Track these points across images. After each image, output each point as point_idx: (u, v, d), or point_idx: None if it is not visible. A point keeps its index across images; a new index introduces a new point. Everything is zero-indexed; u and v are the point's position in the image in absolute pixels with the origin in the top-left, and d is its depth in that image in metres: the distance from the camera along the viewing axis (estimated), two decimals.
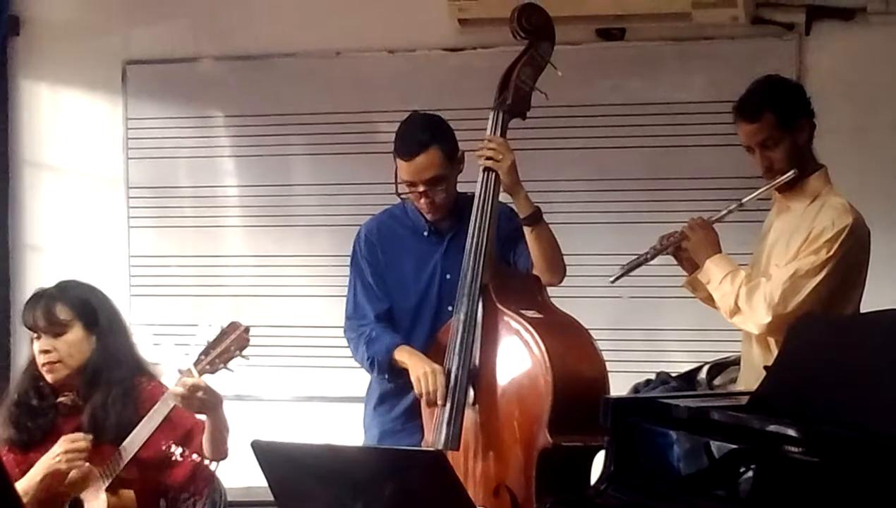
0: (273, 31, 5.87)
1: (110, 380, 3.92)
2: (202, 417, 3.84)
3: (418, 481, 3.02)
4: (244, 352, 3.79)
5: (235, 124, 5.98)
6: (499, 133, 4.01)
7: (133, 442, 3.82)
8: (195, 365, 3.75)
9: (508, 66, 4.04)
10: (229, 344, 3.77)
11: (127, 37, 6.06)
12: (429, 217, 4.13)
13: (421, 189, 4.05)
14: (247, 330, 3.79)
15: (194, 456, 3.88)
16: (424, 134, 4.05)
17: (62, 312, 3.93)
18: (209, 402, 3.77)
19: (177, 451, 3.88)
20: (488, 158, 3.96)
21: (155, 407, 3.80)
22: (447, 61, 5.69)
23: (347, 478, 3.08)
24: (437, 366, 3.92)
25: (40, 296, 3.99)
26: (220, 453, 3.88)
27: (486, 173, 3.99)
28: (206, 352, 3.77)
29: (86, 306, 3.97)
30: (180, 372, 3.77)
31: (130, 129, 6.09)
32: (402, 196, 4.15)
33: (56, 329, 3.92)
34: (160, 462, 3.88)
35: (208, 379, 3.76)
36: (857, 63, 5.27)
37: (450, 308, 4.00)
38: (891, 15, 5.20)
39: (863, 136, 5.16)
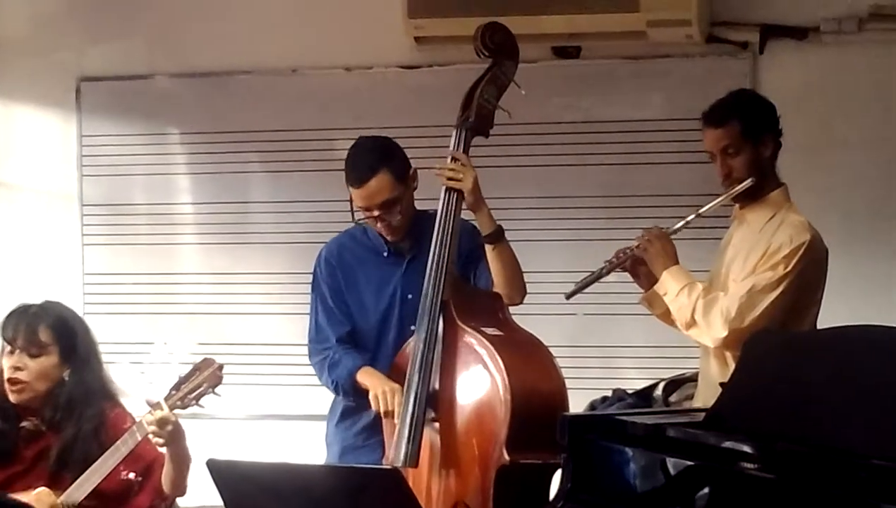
0: (229, 48, 5.86)
1: (82, 416, 3.89)
2: (164, 450, 3.82)
3: (375, 499, 3.02)
4: (217, 390, 3.77)
5: (191, 141, 5.96)
6: (461, 151, 4.02)
7: (97, 473, 3.78)
8: (166, 399, 3.73)
9: (472, 85, 4.04)
10: (202, 380, 3.75)
11: (81, 53, 6.03)
12: (388, 238, 4.13)
13: (376, 213, 4.05)
14: (220, 367, 3.77)
15: (153, 489, 3.86)
16: (371, 158, 4.05)
17: (44, 334, 3.91)
18: (175, 437, 3.74)
19: (136, 483, 3.85)
20: (450, 179, 3.97)
21: (122, 438, 3.77)
22: (403, 79, 5.69)
23: (304, 497, 3.07)
24: (395, 385, 3.93)
25: (24, 312, 3.96)
26: (179, 488, 3.86)
27: (448, 191, 4.00)
28: (177, 387, 3.74)
29: (67, 334, 3.94)
30: (149, 404, 3.73)
31: (85, 146, 6.05)
32: (360, 222, 4.15)
33: (34, 349, 3.90)
34: (119, 494, 3.85)
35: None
36: (811, 82, 5.32)
37: (412, 328, 3.99)
38: (843, 34, 5.25)
39: (816, 154, 5.19)
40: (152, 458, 3.86)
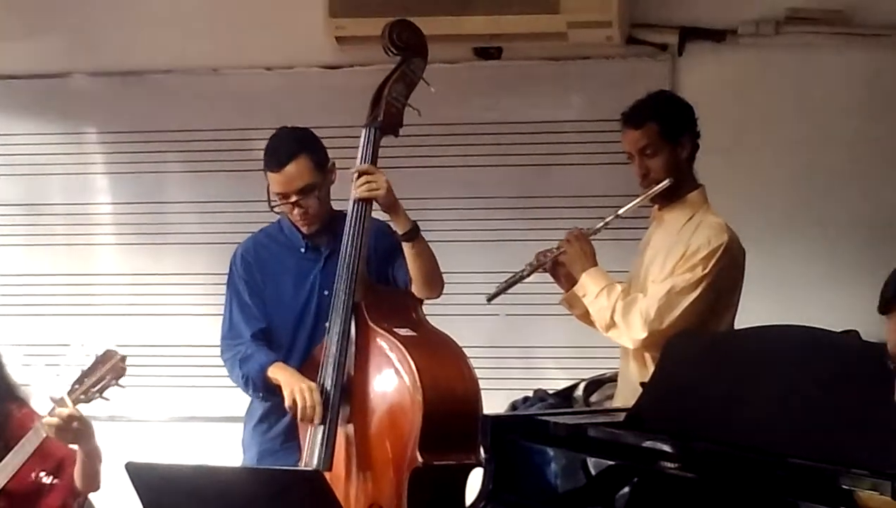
0: (149, 47, 5.80)
1: None
2: (74, 447, 3.77)
3: (296, 501, 3.01)
4: (120, 381, 3.72)
5: (109, 141, 5.89)
6: (371, 150, 4.03)
7: (2, 474, 3.72)
8: (69, 394, 3.67)
9: (380, 83, 4.06)
10: (105, 372, 3.70)
11: None
12: (304, 229, 4.13)
13: (293, 199, 4.05)
14: (123, 358, 3.73)
15: (65, 486, 3.81)
16: (292, 144, 4.08)
17: None
18: (83, 433, 3.69)
19: (47, 481, 3.80)
20: (369, 190, 3.96)
21: (26, 437, 3.72)
22: (325, 79, 5.67)
23: (225, 500, 3.05)
24: (311, 383, 3.92)
25: None
26: (92, 483, 3.82)
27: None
28: (80, 381, 3.69)
29: None
30: (53, 400, 3.68)
31: (0, 145, 5.96)
32: (276, 209, 4.14)
33: None
34: (30, 493, 3.80)
35: (82, 408, 3.69)
36: (729, 84, 5.36)
37: (328, 324, 3.99)
38: (761, 37, 5.30)
39: (734, 156, 5.24)
40: (62, 455, 3.82)
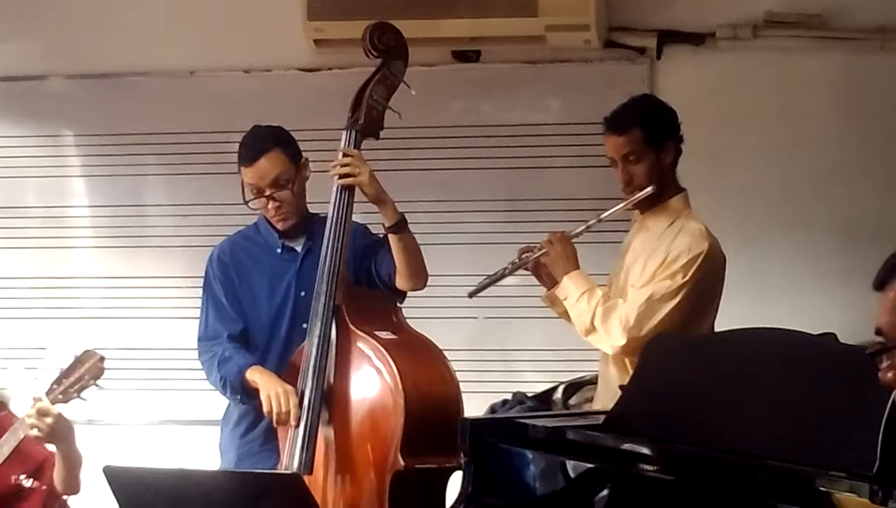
0: (126, 49, 5.78)
1: None
2: (53, 449, 3.77)
3: (275, 504, 3.01)
4: (99, 381, 3.73)
5: (86, 144, 5.87)
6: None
7: None
8: (47, 394, 3.68)
9: (361, 86, 4.07)
10: (83, 373, 3.71)
11: None
12: (280, 225, 4.13)
13: (267, 192, 4.06)
14: (102, 359, 3.74)
15: (45, 489, 3.80)
16: (265, 139, 4.11)
17: None
18: (59, 430, 3.69)
19: (27, 484, 3.80)
20: (345, 175, 3.96)
21: (4, 437, 3.72)
22: (303, 81, 5.67)
23: (203, 503, 3.05)
24: (288, 387, 3.91)
25: None
26: (71, 487, 3.81)
27: (339, 192, 4.00)
28: (58, 381, 3.70)
29: None
30: (34, 400, 3.69)
31: None
32: (251, 204, 4.14)
33: None
34: (10, 496, 3.80)
35: (61, 409, 3.69)
36: (707, 87, 5.38)
37: (304, 325, 3.99)
38: (738, 41, 5.32)
39: (712, 159, 5.25)
40: (42, 458, 3.82)
